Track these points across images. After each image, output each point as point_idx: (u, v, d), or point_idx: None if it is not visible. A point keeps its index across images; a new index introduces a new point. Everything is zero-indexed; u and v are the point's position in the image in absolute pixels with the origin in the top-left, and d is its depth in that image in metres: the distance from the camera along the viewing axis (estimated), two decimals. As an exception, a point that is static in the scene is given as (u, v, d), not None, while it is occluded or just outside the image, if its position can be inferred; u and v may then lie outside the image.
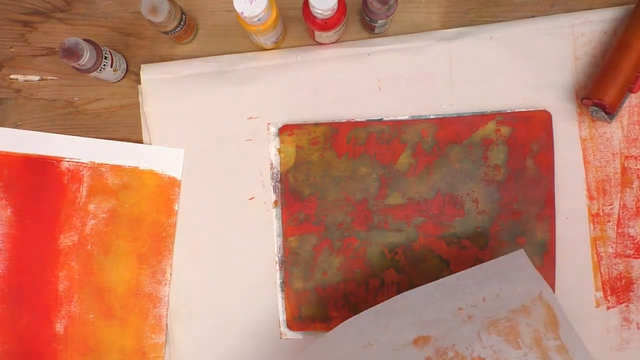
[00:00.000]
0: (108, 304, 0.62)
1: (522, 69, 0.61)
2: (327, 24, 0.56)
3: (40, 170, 0.63)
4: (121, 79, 0.64)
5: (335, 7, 0.53)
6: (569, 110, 0.61)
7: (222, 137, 0.62)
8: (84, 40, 0.57)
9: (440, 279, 0.51)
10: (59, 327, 0.62)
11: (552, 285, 0.59)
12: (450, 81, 0.61)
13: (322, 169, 0.61)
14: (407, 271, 0.60)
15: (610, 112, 0.57)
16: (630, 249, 0.60)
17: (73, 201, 0.63)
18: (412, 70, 0.61)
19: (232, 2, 0.51)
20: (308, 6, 0.53)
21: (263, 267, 0.62)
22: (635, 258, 0.60)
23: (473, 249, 0.59)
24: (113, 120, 0.64)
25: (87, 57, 0.56)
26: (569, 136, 0.61)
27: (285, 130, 0.62)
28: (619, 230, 0.60)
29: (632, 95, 0.59)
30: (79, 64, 0.56)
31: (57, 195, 0.63)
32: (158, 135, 0.63)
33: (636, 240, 0.60)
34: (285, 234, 0.61)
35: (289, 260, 0.61)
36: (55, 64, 0.65)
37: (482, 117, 0.60)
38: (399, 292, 0.60)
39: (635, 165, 0.60)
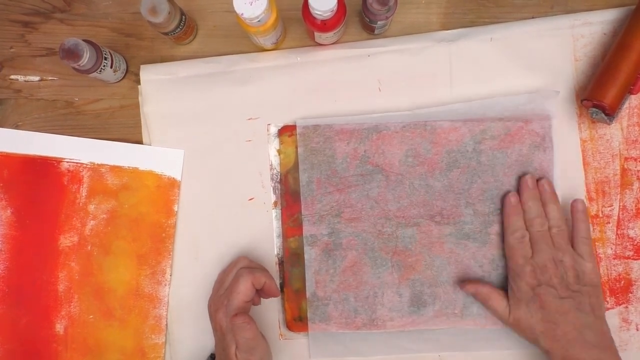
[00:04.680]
0: (108, 304, 0.62)
1: (522, 70, 0.61)
2: (326, 25, 0.56)
3: (40, 171, 0.63)
4: (121, 80, 0.64)
5: (335, 8, 0.53)
6: (569, 112, 0.61)
7: (221, 137, 0.62)
8: (84, 40, 0.57)
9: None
10: (59, 328, 0.62)
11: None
12: (450, 82, 0.61)
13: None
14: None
15: (610, 113, 0.57)
16: (630, 251, 0.60)
17: (73, 202, 0.63)
18: (412, 71, 0.61)
19: (232, 3, 0.51)
20: (308, 7, 0.53)
21: (263, 268, 0.62)
22: (635, 259, 0.60)
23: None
24: (113, 121, 0.64)
25: (87, 58, 0.56)
26: (568, 137, 0.61)
27: (285, 131, 0.62)
28: (619, 232, 0.60)
29: (632, 96, 0.59)
30: (78, 65, 0.56)
31: (57, 196, 0.63)
32: (158, 135, 0.63)
33: (636, 242, 0.60)
34: (285, 235, 0.61)
35: (289, 261, 0.61)
36: (55, 65, 0.65)
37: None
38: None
39: (635, 167, 0.60)
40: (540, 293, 0.55)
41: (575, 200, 0.58)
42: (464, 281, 0.59)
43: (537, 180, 0.59)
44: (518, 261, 0.56)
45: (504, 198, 0.59)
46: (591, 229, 0.60)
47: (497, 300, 0.57)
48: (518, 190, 0.59)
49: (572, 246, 0.57)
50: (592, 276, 0.56)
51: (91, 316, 0.62)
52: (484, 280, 0.60)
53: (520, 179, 0.59)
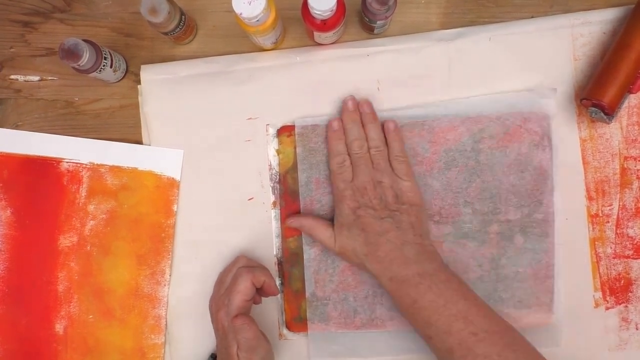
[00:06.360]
0: (107, 304, 0.62)
1: (521, 69, 0.61)
2: (326, 25, 0.56)
3: (40, 171, 0.63)
4: (121, 80, 0.64)
5: (334, 8, 0.53)
6: (568, 111, 0.61)
7: (221, 137, 0.62)
8: (84, 40, 0.57)
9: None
10: (59, 328, 0.62)
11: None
12: (449, 82, 0.61)
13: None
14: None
15: (609, 112, 0.57)
16: (630, 250, 0.60)
17: (72, 202, 0.63)
18: (411, 71, 0.61)
19: (231, 3, 0.51)
20: (307, 7, 0.53)
21: (262, 268, 0.62)
22: (635, 259, 0.60)
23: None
24: (113, 121, 0.64)
25: (86, 58, 0.56)
26: (568, 137, 0.61)
27: (284, 131, 0.62)
28: (618, 231, 0.60)
29: (631, 95, 0.59)
30: (78, 65, 0.56)
31: (57, 196, 0.63)
32: (157, 135, 0.63)
33: (635, 241, 0.60)
34: (284, 235, 0.61)
35: (289, 261, 0.61)
36: (55, 64, 0.65)
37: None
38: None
39: (635, 166, 0.60)
40: (360, 215, 0.55)
41: (386, 121, 0.59)
42: (287, 217, 0.60)
43: (359, 102, 0.59)
44: (339, 186, 0.57)
45: (327, 123, 0.60)
46: (591, 228, 0.60)
47: (322, 229, 0.57)
48: (340, 114, 0.59)
49: (390, 166, 0.57)
50: (410, 195, 0.56)
51: (91, 316, 0.62)
52: (306, 214, 0.60)
53: (342, 101, 0.59)
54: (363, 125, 0.58)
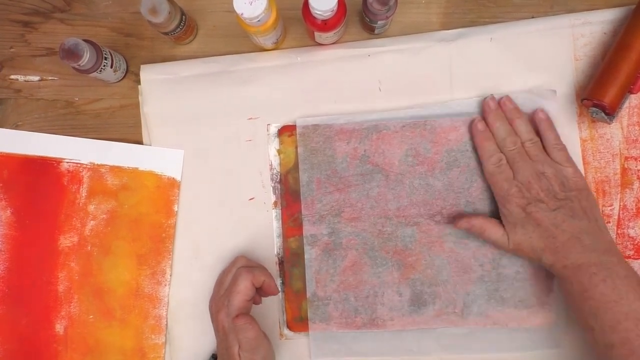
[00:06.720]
0: (108, 304, 0.62)
1: (521, 69, 0.61)
2: (326, 25, 0.56)
3: (40, 171, 0.63)
4: (121, 80, 0.64)
5: (335, 8, 0.53)
6: (569, 111, 0.61)
7: (222, 137, 0.62)
8: (84, 40, 0.57)
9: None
10: (59, 328, 0.62)
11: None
12: (450, 82, 0.61)
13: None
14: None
15: (610, 113, 0.57)
16: (630, 250, 0.60)
17: (73, 202, 0.63)
18: (412, 71, 0.61)
19: (232, 3, 0.51)
20: (308, 7, 0.53)
21: (263, 268, 0.62)
22: (635, 259, 0.60)
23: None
24: (113, 121, 0.64)
25: (87, 58, 0.56)
26: (568, 137, 0.60)
27: (284, 131, 0.62)
28: (619, 231, 0.60)
29: (632, 96, 0.59)
30: (78, 65, 0.56)
31: (57, 196, 0.63)
32: (158, 135, 0.63)
33: (636, 241, 0.60)
34: (285, 235, 0.61)
35: (290, 261, 0.61)
36: (55, 64, 0.65)
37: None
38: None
39: (635, 166, 0.60)
40: (531, 211, 0.54)
41: (535, 111, 0.58)
42: (455, 218, 0.59)
43: (499, 100, 0.59)
44: (503, 186, 0.56)
45: (470, 126, 0.59)
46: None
47: (493, 230, 0.56)
48: (482, 115, 0.59)
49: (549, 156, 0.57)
50: (576, 179, 0.56)
51: (91, 316, 0.62)
52: (474, 213, 0.59)
53: (482, 102, 0.59)
54: (509, 121, 0.58)
